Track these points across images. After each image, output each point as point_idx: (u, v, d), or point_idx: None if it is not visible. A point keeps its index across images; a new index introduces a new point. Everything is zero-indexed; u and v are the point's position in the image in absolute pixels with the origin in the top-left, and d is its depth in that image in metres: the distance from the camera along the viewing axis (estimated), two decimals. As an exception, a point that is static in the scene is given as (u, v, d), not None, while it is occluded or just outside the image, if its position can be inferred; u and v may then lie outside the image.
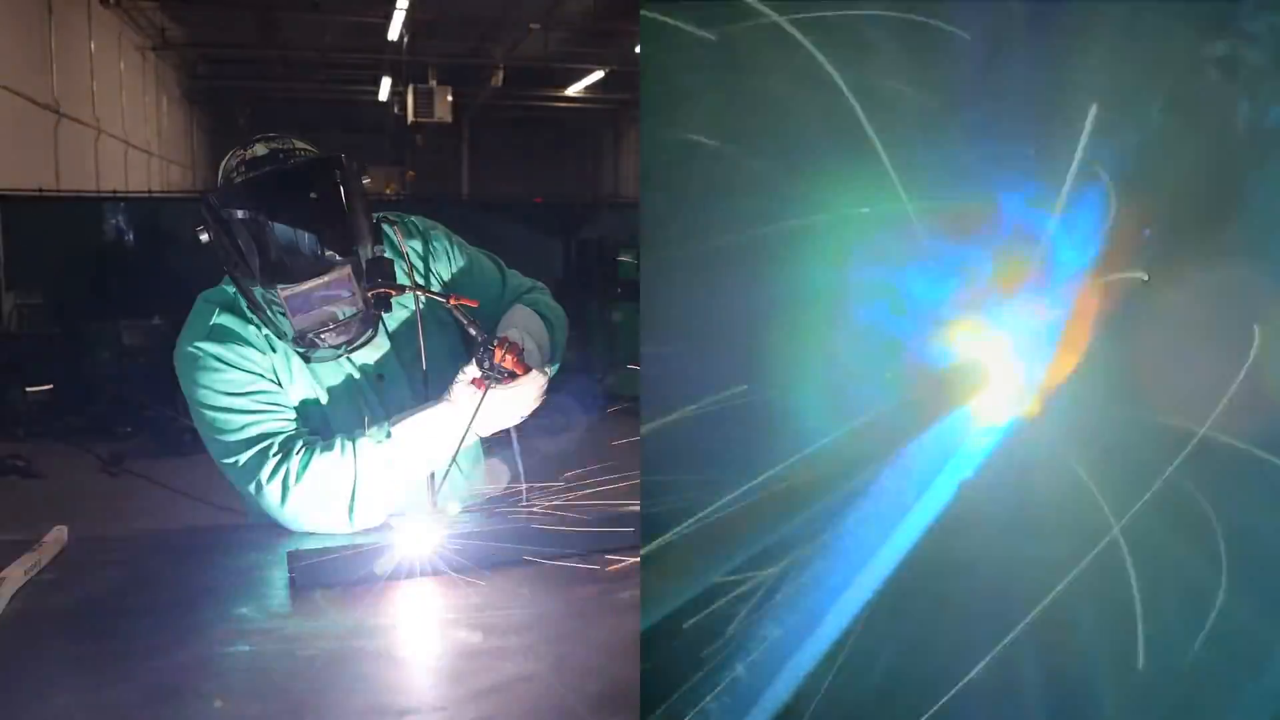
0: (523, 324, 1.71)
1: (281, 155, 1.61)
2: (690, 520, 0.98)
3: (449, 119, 13.80)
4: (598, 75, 14.97)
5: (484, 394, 1.58)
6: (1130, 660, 0.87)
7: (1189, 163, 0.83)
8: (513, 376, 1.59)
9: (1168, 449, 0.85)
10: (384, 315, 1.68)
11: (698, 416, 0.98)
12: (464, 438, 1.60)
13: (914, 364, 0.92)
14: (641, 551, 0.99)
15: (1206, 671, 0.85)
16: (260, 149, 1.62)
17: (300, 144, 1.66)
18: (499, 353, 1.56)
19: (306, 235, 1.52)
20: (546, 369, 1.69)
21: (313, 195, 1.55)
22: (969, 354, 0.91)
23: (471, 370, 1.60)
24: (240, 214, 1.53)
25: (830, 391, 0.93)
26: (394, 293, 1.62)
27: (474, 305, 1.59)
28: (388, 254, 1.69)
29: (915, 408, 0.92)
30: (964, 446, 0.92)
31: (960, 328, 0.91)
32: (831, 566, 0.95)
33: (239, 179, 1.59)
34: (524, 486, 1.76)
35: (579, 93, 16.13)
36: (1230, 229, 0.82)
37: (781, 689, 0.96)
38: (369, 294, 1.59)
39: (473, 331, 1.58)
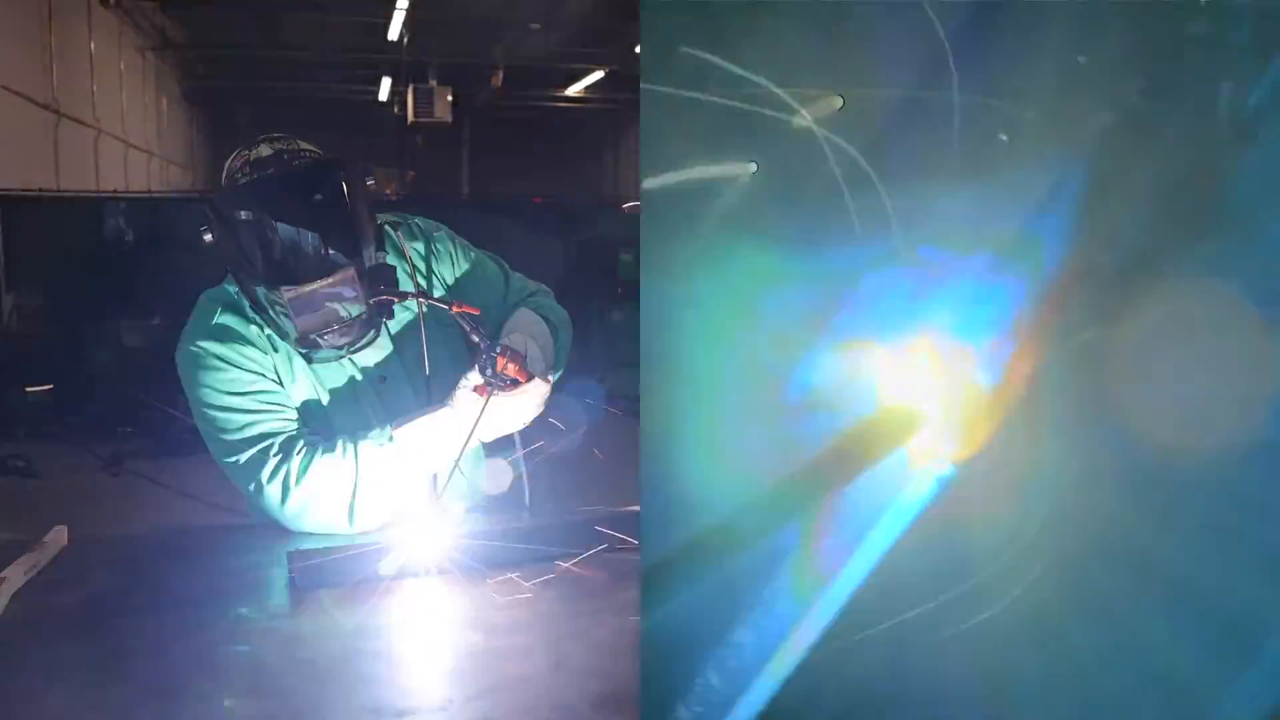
0: (527, 329, 1.71)
1: (286, 156, 1.61)
2: (690, 521, 0.98)
3: (449, 119, 13.79)
4: (598, 75, 14.97)
5: (486, 401, 1.58)
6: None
7: (1168, 148, 0.82)
8: (515, 384, 1.58)
9: (1116, 488, 0.85)
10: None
11: (697, 418, 0.98)
12: (466, 444, 1.59)
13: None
14: (641, 552, 0.99)
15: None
16: (265, 150, 1.62)
17: (305, 145, 1.66)
18: (501, 361, 1.56)
19: (310, 237, 1.52)
20: (550, 376, 1.68)
21: (317, 197, 1.55)
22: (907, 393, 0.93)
23: (474, 377, 1.59)
24: (244, 215, 1.53)
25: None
26: (396, 299, 1.61)
27: (476, 313, 1.59)
28: (390, 256, 1.69)
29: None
30: (902, 493, 0.93)
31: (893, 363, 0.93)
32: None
33: (243, 180, 1.59)
34: (527, 490, 1.76)
35: (579, 93, 16.13)
36: (1210, 226, 0.81)
37: (777, 688, 0.96)
38: (371, 300, 1.59)
39: (475, 338, 1.58)
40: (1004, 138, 0.87)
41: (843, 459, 0.96)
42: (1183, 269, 0.82)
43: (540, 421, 1.67)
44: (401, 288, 1.66)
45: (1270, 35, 0.76)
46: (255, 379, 1.64)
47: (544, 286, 1.95)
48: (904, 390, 0.94)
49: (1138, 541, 0.84)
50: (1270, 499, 0.78)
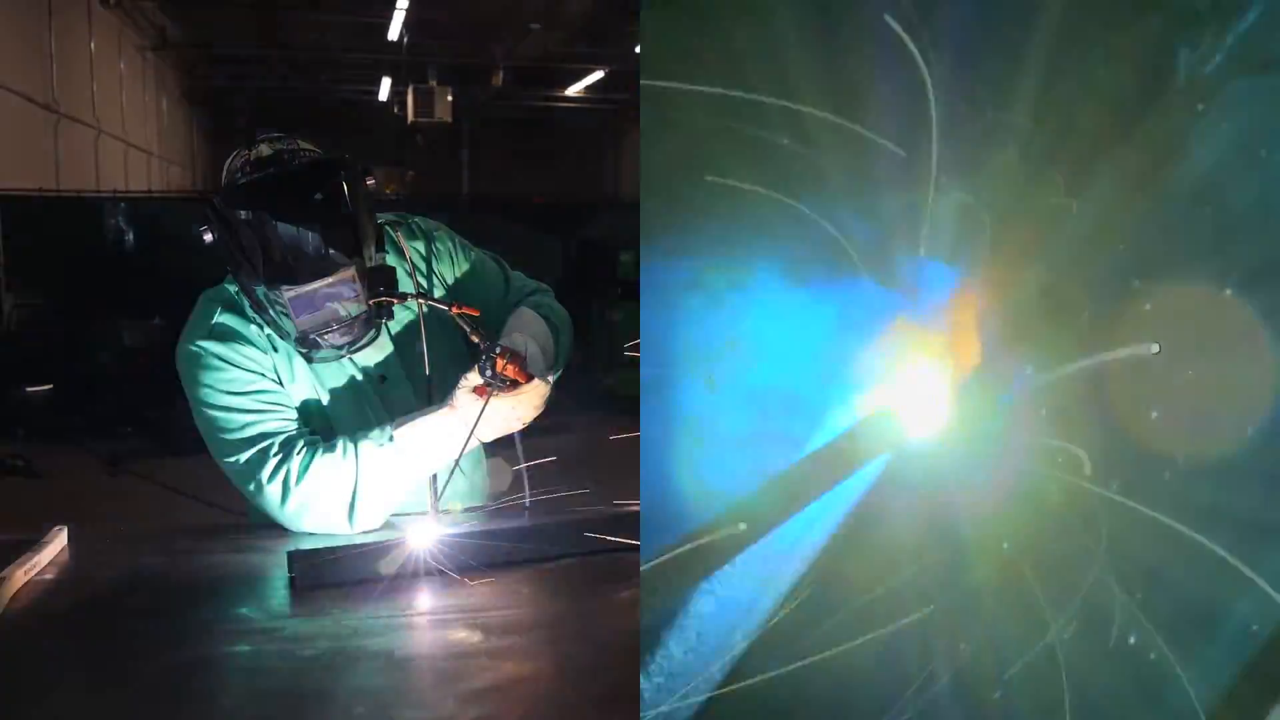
0: (527, 329, 1.70)
1: (286, 156, 1.61)
2: (690, 520, 0.98)
3: (449, 119, 13.80)
4: (598, 75, 14.97)
5: (486, 402, 1.57)
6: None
7: (1127, 117, 0.82)
8: (515, 385, 1.58)
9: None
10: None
11: (697, 421, 0.98)
12: (466, 445, 1.59)
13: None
14: (641, 552, 0.99)
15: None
16: (265, 149, 1.62)
17: (305, 144, 1.65)
18: (500, 362, 1.55)
19: (310, 236, 1.52)
20: (550, 376, 1.68)
21: (317, 196, 1.55)
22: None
23: (473, 378, 1.59)
24: (244, 214, 1.53)
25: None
26: (396, 300, 1.61)
27: (475, 314, 1.59)
28: (390, 256, 1.69)
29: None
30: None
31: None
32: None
33: (243, 179, 1.59)
34: (528, 492, 1.76)
35: (579, 93, 16.13)
36: (1171, 197, 0.80)
37: (744, 646, 0.97)
38: (371, 302, 1.59)
39: (475, 339, 1.58)
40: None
41: (838, 457, 0.96)
42: (1145, 243, 0.81)
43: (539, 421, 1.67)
44: (401, 288, 1.66)
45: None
46: (255, 379, 1.64)
47: (544, 286, 1.95)
48: (896, 390, 0.95)
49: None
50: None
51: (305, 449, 1.58)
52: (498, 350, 1.56)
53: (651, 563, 0.95)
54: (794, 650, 0.93)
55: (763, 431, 0.98)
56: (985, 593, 0.90)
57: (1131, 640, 0.80)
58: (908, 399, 0.94)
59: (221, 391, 1.62)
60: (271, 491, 1.57)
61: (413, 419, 1.61)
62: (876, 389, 0.95)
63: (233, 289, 1.68)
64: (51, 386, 7.39)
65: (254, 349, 1.66)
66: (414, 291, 1.71)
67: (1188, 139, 0.77)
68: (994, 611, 0.89)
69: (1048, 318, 0.86)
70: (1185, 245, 0.79)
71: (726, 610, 0.96)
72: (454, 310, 1.58)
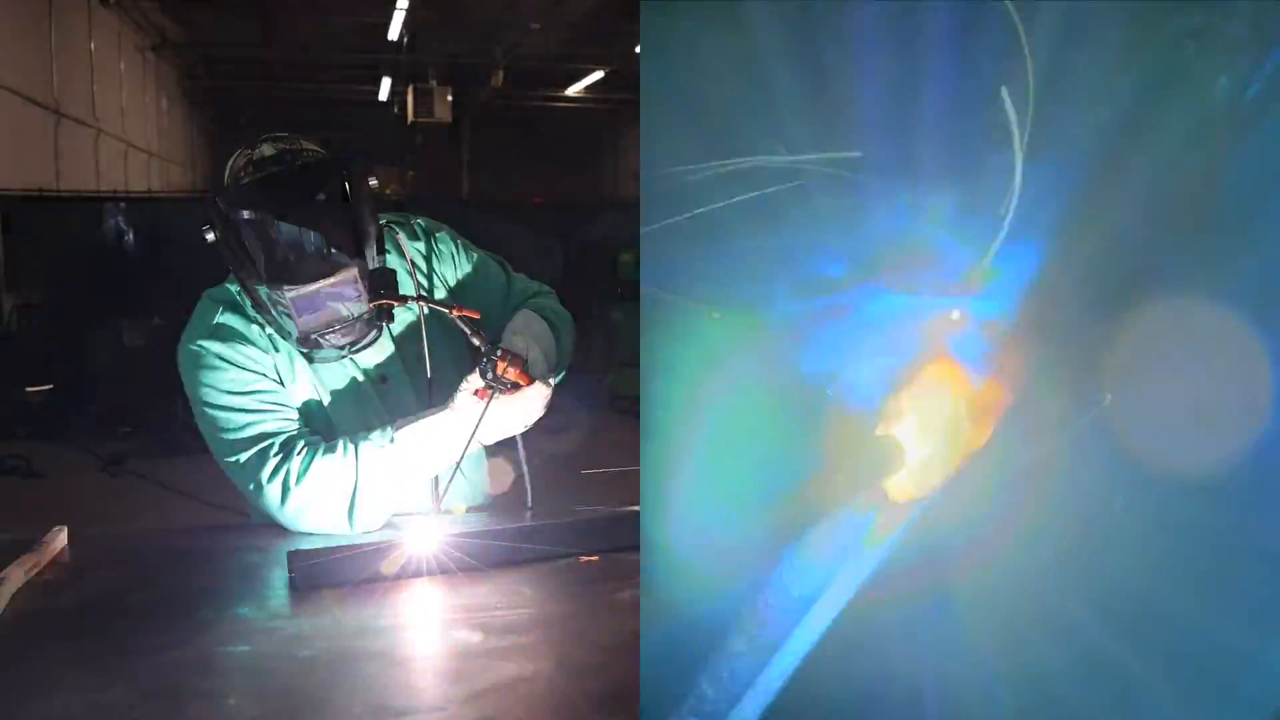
0: (528, 331, 1.70)
1: (289, 156, 1.60)
2: (689, 521, 0.98)
3: (449, 119, 13.79)
4: (598, 75, 14.97)
5: (487, 405, 1.57)
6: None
7: (1166, 144, 0.82)
8: (516, 388, 1.58)
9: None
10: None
11: (697, 420, 0.98)
12: (467, 447, 1.59)
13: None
14: (641, 552, 0.99)
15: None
16: (268, 149, 1.62)
17: (308, 144, 1.65)
18: (501, 365, 1.55)
19: (313, 236, 1.52)
20: (551, 379, 1.67)
21: (320, 196, 1.55)
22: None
23: (475, 380, 1.59)
24: (247, 214, 1.52)
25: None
26: (396, 303, 1.61)
27: (476, 317, 1.58)
28: (392, 257, 1.69)
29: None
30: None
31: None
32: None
33: (246, 179, 1.59)
34: (529, 494, 1.76)
35: (579, 93, 16.12)
36: (1208, 222, 0.81)
37: (778, 686, 0.96)
38: (372, 305, 1.59)
39: (476, 342, 1.58)
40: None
41: (842, 473, 0.96)
42: (1180, 268, 0.82)
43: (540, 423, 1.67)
44: (403, 289, 1.66)
45: (1268, 26, 0.76)
46: (256, 378, 1.64)
47: (547, 287, 1.94)
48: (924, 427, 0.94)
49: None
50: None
51: (306, 449, 1.58)
52: (499, 353, 1.56)
53: (651, 563, 0.95)
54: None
55: (764, 431, 0.98)
56: (1019, 639, 0.89)
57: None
58: (936, 438, 0.93)
59: (222, 391, 1.62)
60: (271, 491, 1.57)
61: (414, 420, 1.61)
62: (905, 417, 0.95)
63: (234, 289, 1.68)
64: (51, 386, 7.39)
65: (255, 349, 1.66)
66: (415, 294, 1.71)
67: (1227, 164, 0.78)
68: (1028, 656, 0.89)
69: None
70: (1220, 272, 0.79)
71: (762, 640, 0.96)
72: (454, 313, 1.58)
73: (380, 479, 1.58)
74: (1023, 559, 0.88)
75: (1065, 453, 0.86)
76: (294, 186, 1.56)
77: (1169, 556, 0.81)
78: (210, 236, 1.57)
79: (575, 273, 9.47)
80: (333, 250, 1.53)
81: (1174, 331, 0.81)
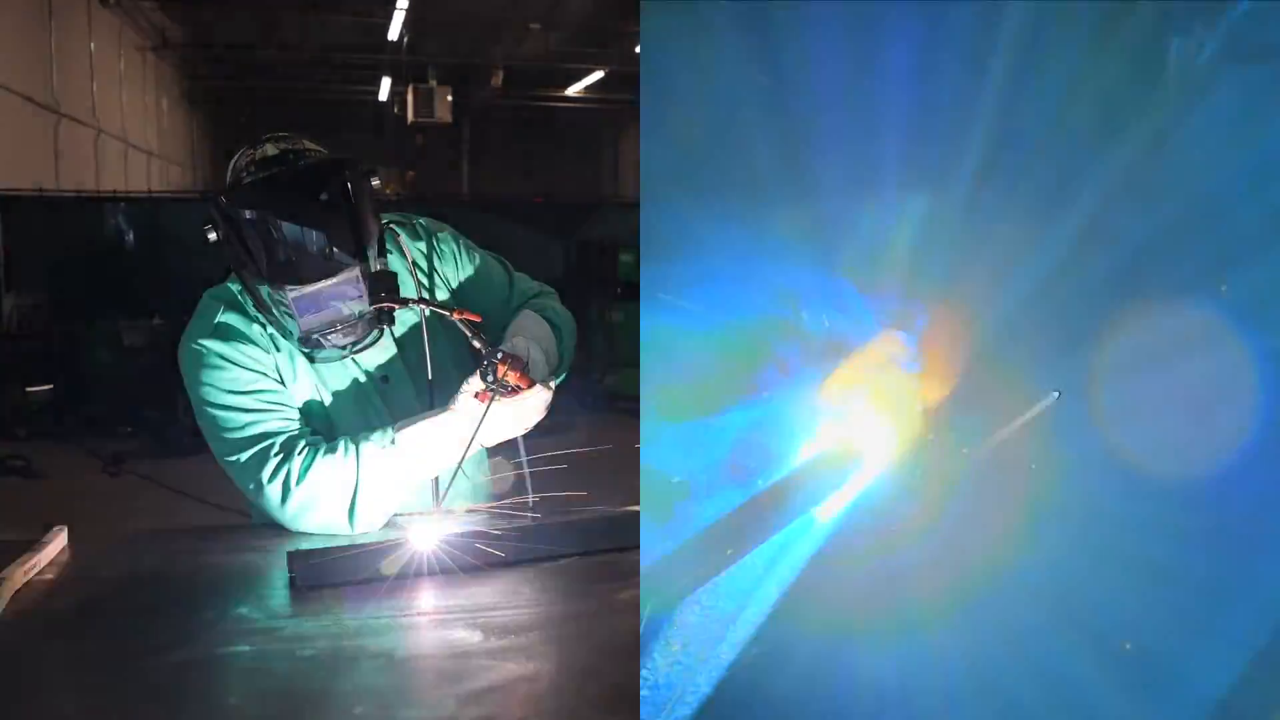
0: (529, 333, 1.70)
1: (292, 156, 1.61)
2: (689, 521, 0.98)
3: (449, 119, 13.79)
4: (598, 75, 14.97)
5: (487, 407, 1.57)
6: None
7: (1118, 109, 0.81)
8: (517, 390, 1.57)
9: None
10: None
11: (697, 420, 0.98)
12: (468, 449, 1.59)
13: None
14: (641, 552, 0.99)
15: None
16: (270, 149, 1.62)
17: (310, 144, 1.65)
18: (502, 368, 1.55)
19: (315, 236, 1.52)
20: (552, 381, 1.67)
21: (322, 196, 1.55)
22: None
23: (475, 383, 1.58)
24: (249, 214, 1.52)
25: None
26: (397, 306, 1.61)
27: (477, 319, 1.58)
28: (393, 257, 1.68)
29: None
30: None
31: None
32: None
33: (249, 179, 1.59)
34: (530, 494, 1.76)
35: (579, 93, 16.12)
36: (1160, 190, 0.80)
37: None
38: (373, 307, 1.59)
39: (476, 344, 1.57)
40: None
41: (828, 465, 0.96)
42: (1135, 240, 0.81)
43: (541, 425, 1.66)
44: (404, 289, 1.66)
45: None
46: (257, 378, 1.64)
47: (548, 288, 1.94)
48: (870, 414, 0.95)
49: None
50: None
51: (306, 449, 1.58)
52: (499, 356, 1.56)
53: (651, 563, 0.95)
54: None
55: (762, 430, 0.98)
56: (968, 607, 0.90)
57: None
58: (879, 426, 0.94)
59: (223, 390, 1.62)
60: (272, 491, 1.57)
61: (415, 421, 1.61)
62: (854, 411, 0.95)
63: (236, 288, 1.68)
64: (51, 386, 7.39)
65: (256, 348, 1.66)
66: (416, 296, 1.71)
67: (1179, 129, 0.77)
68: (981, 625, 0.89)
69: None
70: (1177, 240, 0.79)
71: (711, 621, 0.96)
72: (455, 316, 1.58)
73: (381, 479, 1.58)
74: (977, 559, 0.88)
75: (1018, 449, 0.86)
76: (297, 186, 1.56)
77: (1113, 551, 0.82)
78: (212, 236, 1.57)
79: (575, 273, 9.48)
80: (335, 250, 1.53)
81: (1134, 323, 0.80)
